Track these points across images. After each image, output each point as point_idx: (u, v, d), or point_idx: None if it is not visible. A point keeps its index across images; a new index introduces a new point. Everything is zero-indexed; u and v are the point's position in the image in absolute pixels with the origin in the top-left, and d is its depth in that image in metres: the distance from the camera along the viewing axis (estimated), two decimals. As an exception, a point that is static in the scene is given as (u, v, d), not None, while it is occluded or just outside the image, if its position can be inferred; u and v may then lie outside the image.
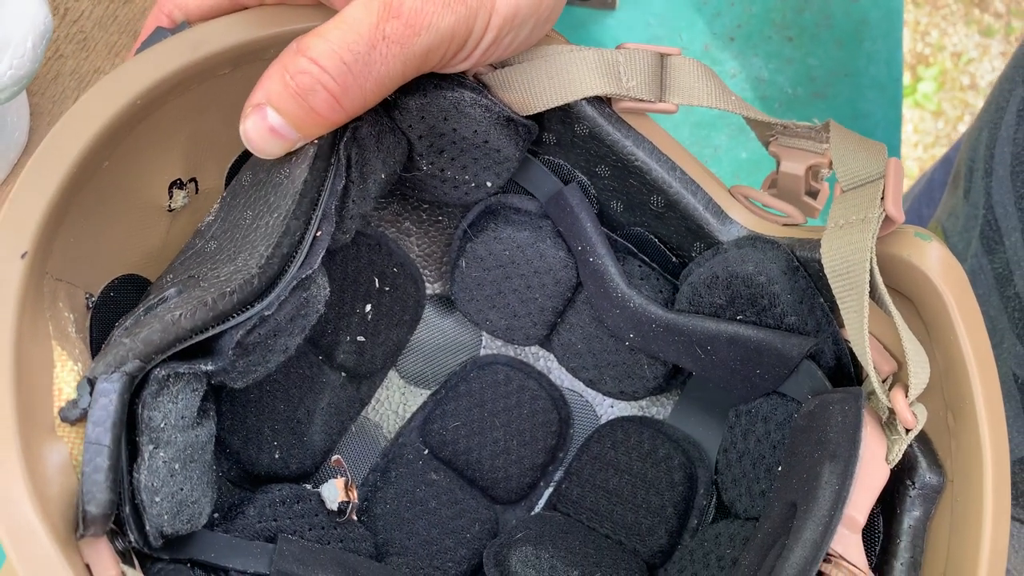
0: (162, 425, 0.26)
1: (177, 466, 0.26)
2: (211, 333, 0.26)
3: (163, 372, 0.26)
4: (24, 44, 0.33)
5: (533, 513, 0.39)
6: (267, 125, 0.27)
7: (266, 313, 0.27)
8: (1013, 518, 0.42)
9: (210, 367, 0.27)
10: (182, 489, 0.27)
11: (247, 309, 0.27)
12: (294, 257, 0.28)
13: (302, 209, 0.28)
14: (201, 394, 0.28)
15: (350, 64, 0.26)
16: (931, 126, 1.34)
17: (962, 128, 1.35)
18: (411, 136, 0.32)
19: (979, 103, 1.35)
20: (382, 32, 0.26)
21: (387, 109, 0.31)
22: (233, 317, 0.27)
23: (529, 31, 0.30)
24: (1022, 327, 0.37)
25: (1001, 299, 0.38)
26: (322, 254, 0.28)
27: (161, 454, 0.26)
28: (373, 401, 0.40)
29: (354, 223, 0.31)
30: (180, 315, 0.25)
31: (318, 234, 0.28)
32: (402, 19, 0.26)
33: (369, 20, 0.26)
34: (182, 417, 0.27)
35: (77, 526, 0.25)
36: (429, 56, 0.28)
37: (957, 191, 0.46)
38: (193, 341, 0.26)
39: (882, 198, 0.29)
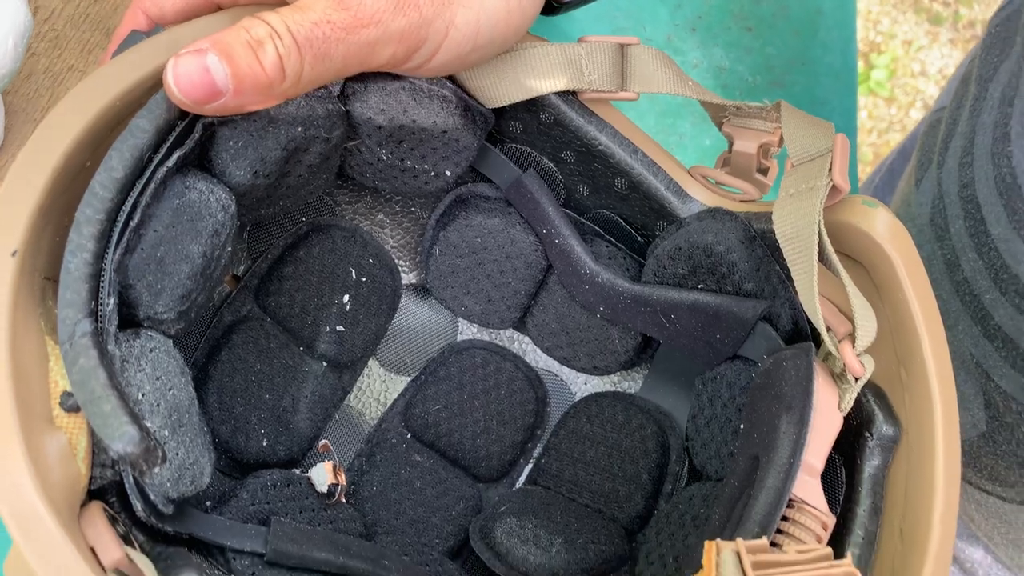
0: (140, 396, 0.27)
1: (167, 432, 0.28)
2: (102, 268, 0.26)
3: (113, 347, 0.26)
4: (5, 43, 0.33)
5: (515, 488, 0.40)
6: (203, 65, 0.27)
7: (131, 223, 0.27)
8: (978, 487, 0.44)
9: (115, 301, 0.27)
10: (178, 454, 0.28)
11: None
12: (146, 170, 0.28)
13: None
14: (162, 353, 0.28)
15: (295, 34, 0.27)
16: (884, 112, 1.38)
17: (914, 114, 1.38)
18: (370, 128, 0.33)
19: (929, 89, 1.39)
20: (328, 16, 0.28)
21: (347, 101, 0.33)
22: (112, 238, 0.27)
23: (498, 47, 0.32)
24: (973, 310, 0.39)
25: (952, 284, 0.40)
26: (176, 155, 0.28)
27: (148, 425, 0.27)
28: (355, 389, 0.41)
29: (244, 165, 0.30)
30: (70, 262, 0.26)
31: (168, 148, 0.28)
32: (350, 11, 0.28)
33: (320, 6, 0.28)
34: (157, 379, 0.28)
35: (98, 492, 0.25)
36: (376, 50, 0.29)
37: (910, 180, 0.48)
38: (88, 270, 0.26)
39: (830, 169, 0.31)
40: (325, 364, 0.39)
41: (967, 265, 0.39)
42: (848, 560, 0.24)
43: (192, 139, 0.28)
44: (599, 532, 0.36)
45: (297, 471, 0.37)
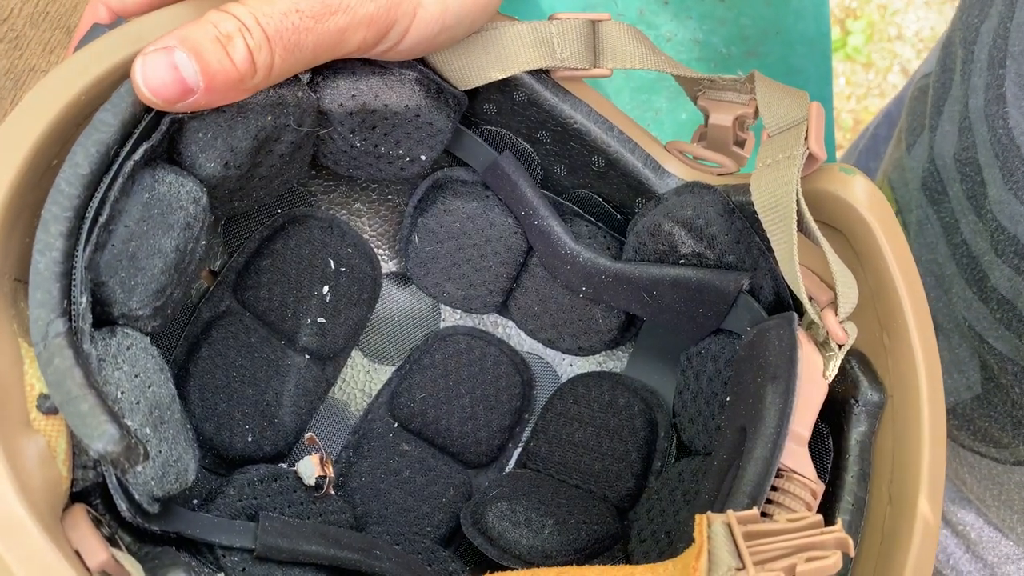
0: (118, 395, 0.27)
1: (148, 430, 0.27)
2: (73, 267, 0.26)
3: (88, 346, 0.26)
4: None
5: (505, 473, 0.40)
6: (171, 62, 0.26)
7: (100, 219, 0.26)
8: (971, 449, 0.44)
9: (88, 299, 0.26)
10: (160, 451, 0.27)
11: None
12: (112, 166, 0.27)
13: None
14: (140, 350, 0.28)
15: (265, 26, 0.27)
16: (862, 78, 1.38)
17: (892, 79, 1.39)
18: (342, 114, 0.33)
19: (906, 52, 1.39)
20: (296, 5, 0.27)
21: (317, 89, 0.32)
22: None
23: (467, 28, 0.32)
24: (970, 273, 0.39)
25: (949, 247, 0.40)
26: (143, 148, 0.27)
27: (129, 423, 0.27)
28: (339, 381, 0.41)
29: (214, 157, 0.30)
30: (39, 262, 0.25)
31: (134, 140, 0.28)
32: None
33: None
34: (135, 377, 0.27)
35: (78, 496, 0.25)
36: (345, 37, 0.29)
37: (901, 146, 0.48)
38: (58, 268, 0.25)
39: (805, 138, 0.30)
40: (307, 357, 0.39)
41: (967, 228, 0.39)
42: (838, 526, 0.24)
43: (159, 132, 0.28)
44: (590, 512, 0.36)
45: (284, 465, 0.37)
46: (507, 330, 0.42)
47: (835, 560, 0.23)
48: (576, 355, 0.41)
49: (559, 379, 0.42)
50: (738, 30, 0.57)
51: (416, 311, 0.42)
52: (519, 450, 0.41)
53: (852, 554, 0.23)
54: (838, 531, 0.23)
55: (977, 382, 0.41)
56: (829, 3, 0.59)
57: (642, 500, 0.37)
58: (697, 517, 0.24)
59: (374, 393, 0.41)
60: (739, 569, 0.23)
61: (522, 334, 0.42)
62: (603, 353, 0.41)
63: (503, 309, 0.41)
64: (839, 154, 1.06)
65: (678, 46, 0.56)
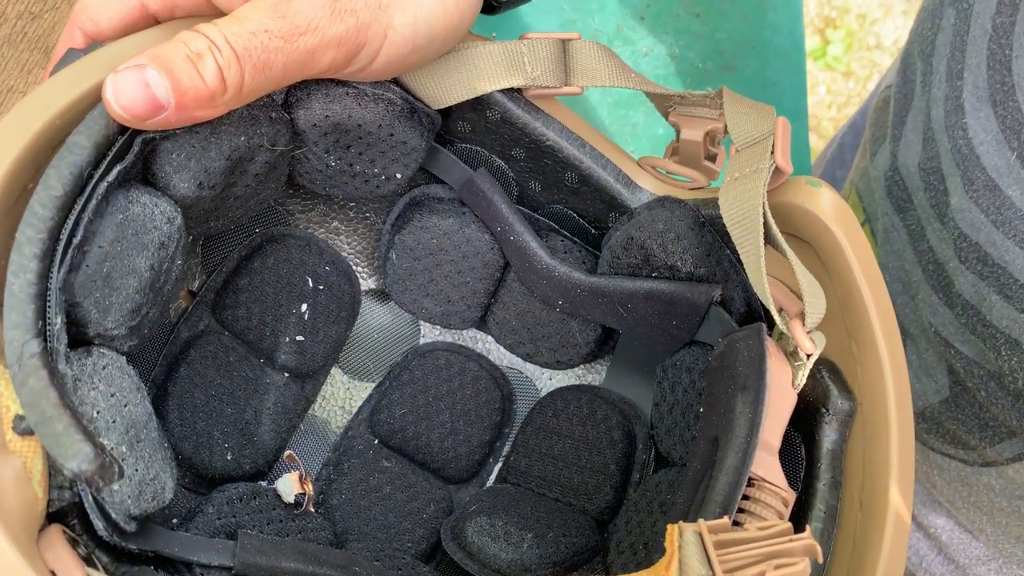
0: (94, 414, 0.27)
1: (125, 448, 0.27)
2: (47, 288, 0.26)
3: (64, 366, 0.26)
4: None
5: (484, 488, 0.41)
6: (143, 79, 0.27)
7: (74, 240, 0.27)
8: (940, 452, 0.45)
9: (63, 320, 0.27)
10: (137, 470, 0.27)
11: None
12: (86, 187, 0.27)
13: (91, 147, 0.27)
14: (115, 370, 0.28)
15: (234, 45, 0.27)
16: (843, 87, 1.40)
17: (871, 87, 1.40)
18: (316, 134, 0.33)
19: (885, 61, 1.41)
20: (265, 26, 0.28)
21: (291, 109, 0.33)
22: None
23: (438, 48, 0.32)
24: (936, 279, 0.40)
25: (915, 253, 0.41)
26: (116, 170, 0.28)
27: (105, 443, 0.27)
28: (319, 399, 0.41)
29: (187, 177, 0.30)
30: (13, 283, 0.26)
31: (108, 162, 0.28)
32: (287, 19, 0.28)
33: (256, 15, 0.28)
34: (111, 396, 0.27)
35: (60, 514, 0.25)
36: (315, 57, 0.29)
37: (866, 155, 0.49)
38: (32, 290, 0.26)
39: (772, 152, 0.31)
40: (287, 375, 0.39)
41: (932, 235, 0.39)
42: (807, 533, 0.24)
43: (132, 153, 0.28)
44: (569, 525, 0.36)
45: (264, 483, 0.37)
46: (486, 345, 0.43)
47: (803, 567, 0.23)
48: (555, 369, 0.41)
49: (538, 393, 0.42)
50: (714, 44, 0.58)
51: (395, 328, 0.43)
52: (499, 465, 0.41)
53: (820, 560, 0.24)
54: (807, 538, 0.24)
55: (945, 386, 0.41)
56: (804, 17, 0.60)
57: (621, 512, 0.37)
58: (669, 527, 0.24)
59: (354, 410, 0.41)
60: (709, 577, 0.23)
61: (501, 349, 0.42)
62: (581, 367, 0.42)
63: (482, 324, 0.42)
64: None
65: (655, 61, 0.57)
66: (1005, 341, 0.36)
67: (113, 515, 0.27)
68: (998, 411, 0.39)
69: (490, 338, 0.42)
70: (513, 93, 0.35)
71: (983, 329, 0.37)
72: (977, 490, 0.43)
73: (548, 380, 0.42)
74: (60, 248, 0.27)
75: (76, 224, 0.27)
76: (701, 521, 0.24)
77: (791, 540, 0.24)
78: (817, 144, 1.34)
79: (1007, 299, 0.35)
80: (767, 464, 0.27)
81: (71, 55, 0.30)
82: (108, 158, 0.28)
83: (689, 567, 0.23)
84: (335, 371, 0.42)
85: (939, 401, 0.43)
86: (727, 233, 0.32)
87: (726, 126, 0.35)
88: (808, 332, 0.29)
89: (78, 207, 0.27)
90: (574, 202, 0.38)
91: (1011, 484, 0.41)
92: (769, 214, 0.29)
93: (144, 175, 0.30)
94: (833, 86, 1.40)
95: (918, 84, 0.41)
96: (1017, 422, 0.38)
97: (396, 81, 0.34)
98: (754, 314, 0.33)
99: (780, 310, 0.30)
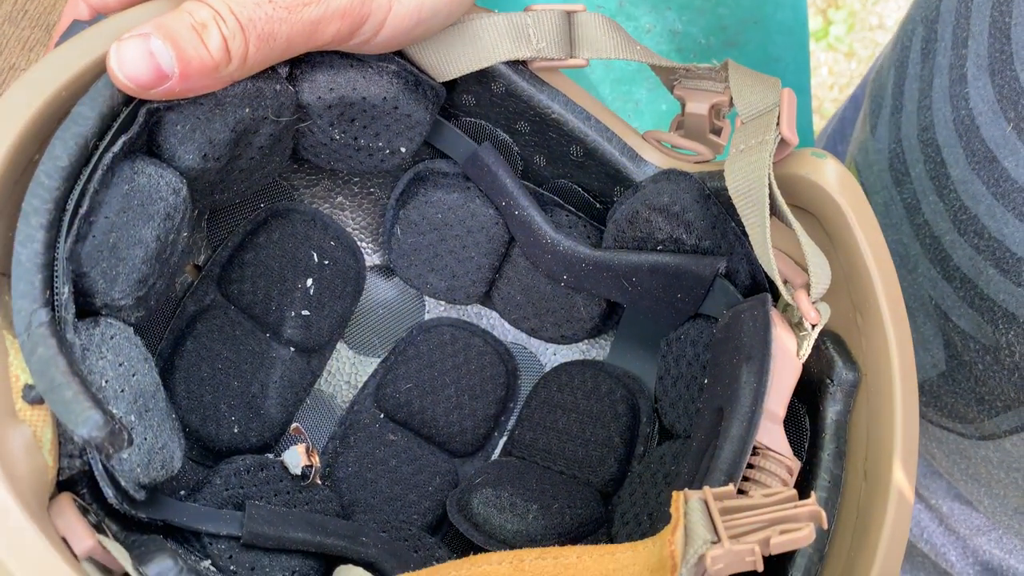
0: (103, 383, 0.27)
1: (133, 418, 0.27)
2: (54, 258, 0.26)
3: (72, 336, 0.26)
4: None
5: (490, 461, 0.41)
6: (147, 48, 0.27)
7: (80, 210, 0.27)
8: (939, 425, 0.45)
9: (70, 289, 0.27)
10: (146, 439, 0.28)
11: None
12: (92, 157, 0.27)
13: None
14: (123, 339, 0.28)
15: (239, 16, 0.27)
16: (845, 67, 1.39)
17: (875, 67, 1.39)
18: (320, 107, 0.33)
19: (887, 41, 1.40)
20: None
21: (295, 82, 0.33)
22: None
23: (443, 20, 0.32)
24: (933, 252, 0.40)
25: (912, 227, 0.41)
26: (121, 141, 0.28)
27: (113, 411, 0.27)
28: (325, 373, 0.41)
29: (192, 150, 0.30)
30: (20, 253, 0.26)
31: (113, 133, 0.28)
32: None
33: None
34: (119, 365, 0.28)
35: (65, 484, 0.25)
36: (319, 28, 0.29)
37: (865, 128, 0.48)
38: (40, 260, 0.26)
39: (777, 123, 0.31)
40: (293, 349, 0.39)
41: (928, 208, 0.39)
42: (812, 499, 0.24)
43: (137, 124, 0.28)
44: (574, 497, 0.37)
45: (271, 456, 0.37)
46: (491, 320, 0.43)
47: (808, 532, 0.23)
48: (559, 343, 0.41)
49: (543, 368, 0.42)
50: (716, 20, 0.58)
51: (400, 303, 0.43)
52: (504, 438, 0.41)
53: (825, 526, 0.24)
54: (811, 504, 0.24)
55: (942, 359, 0.41)
56: (807, -6, 0.60)
57: (625, 484, 0.37)
58: (674, 494, 0.24)
59: (360, 385, 0.41)
60: (714, 542, 0.23)
61: (505, 324, 0.42)
62: (586, 341, 0.42)
63: (486, 299, 0.42)
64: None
65: (657, 37, 0.57)
66: (1002, 314, 0.36)
67: (123, 483, 0.27)
68: (995, 384, 0.39)
69: (495, 313, 0.43)
70: (518, 66, 0.35)
71: (980, 302, 0.37)
72: (975, 463, 0.43)
73: (552, 355, 0.43)
74: (66, 219, 0.27)
75: (82, 195, 0.27)
76: (707, 488, 0.24)
77: (796, 506, 0.24)
78: (819, 125, 1.33)
79: (1004, 272, 0.35)
80: (772, 433, 0.27)
81: (76, 27, 0.30)
82: (113, 129, 0.28)
83: (695, 532, 0.23)
84: (341, 346, 0.42)
85: (937, 375, 0.43)
86: (732, 205, 0.32)
87: (731, 99, 0.35)
88: (813, 303, 0.29)
89: (84, 178, 0.27)
90: (579, 176, 0.38)
91: (1008, 457, 0.41)
92: (775, 186, 0.29)
93: (149, 146, 0.30)
94: (835, 67, 1.39)
95: (916, 52, 0.40)
96: (1014, 395, 0.38)
97: (400, 54, 0.34)
98: (759, 286, 0.34)
99: (785, 281, 0.30)
